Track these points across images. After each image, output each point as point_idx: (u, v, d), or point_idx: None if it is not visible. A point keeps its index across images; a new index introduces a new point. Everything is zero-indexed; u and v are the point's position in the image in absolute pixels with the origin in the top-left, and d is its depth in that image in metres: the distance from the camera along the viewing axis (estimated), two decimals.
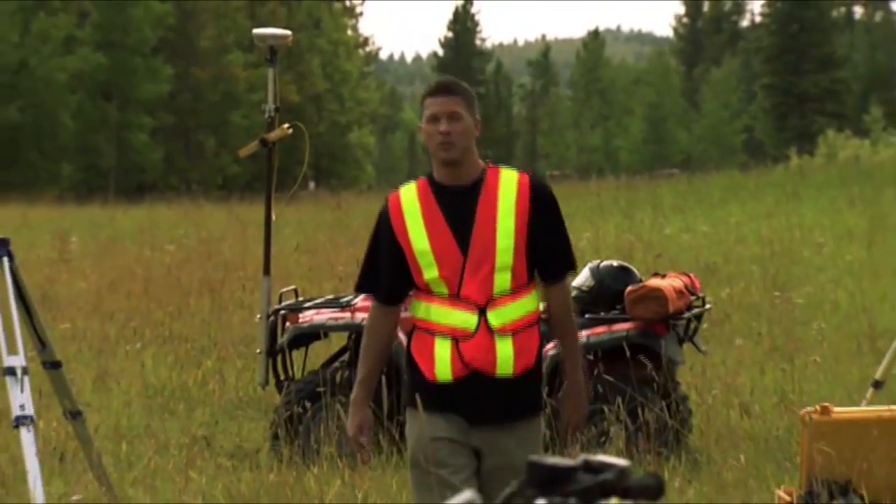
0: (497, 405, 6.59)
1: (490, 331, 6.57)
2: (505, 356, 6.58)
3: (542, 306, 7.03)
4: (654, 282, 12.47)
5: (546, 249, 6.76)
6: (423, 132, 6.78)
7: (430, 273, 6.60)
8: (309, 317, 12.66)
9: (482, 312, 6.57)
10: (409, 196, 6.73)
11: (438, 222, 6.62)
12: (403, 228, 6.66)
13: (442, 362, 6.61)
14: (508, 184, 6.66)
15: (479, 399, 6.56)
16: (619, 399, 11.82)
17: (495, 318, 6.58)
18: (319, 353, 14.17)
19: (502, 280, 6.58)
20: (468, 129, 6.65)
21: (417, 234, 6.62)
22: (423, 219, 6.63)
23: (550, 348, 12.33)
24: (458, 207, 6.61)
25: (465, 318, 6.58)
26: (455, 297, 6.59)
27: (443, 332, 6.62)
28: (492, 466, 6.58)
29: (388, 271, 6.77)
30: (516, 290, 6.65)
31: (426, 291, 6.69)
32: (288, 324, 12.73)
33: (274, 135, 12.39)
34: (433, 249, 6.59)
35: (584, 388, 6.89)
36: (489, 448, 6.58)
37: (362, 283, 7.00)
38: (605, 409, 11.92)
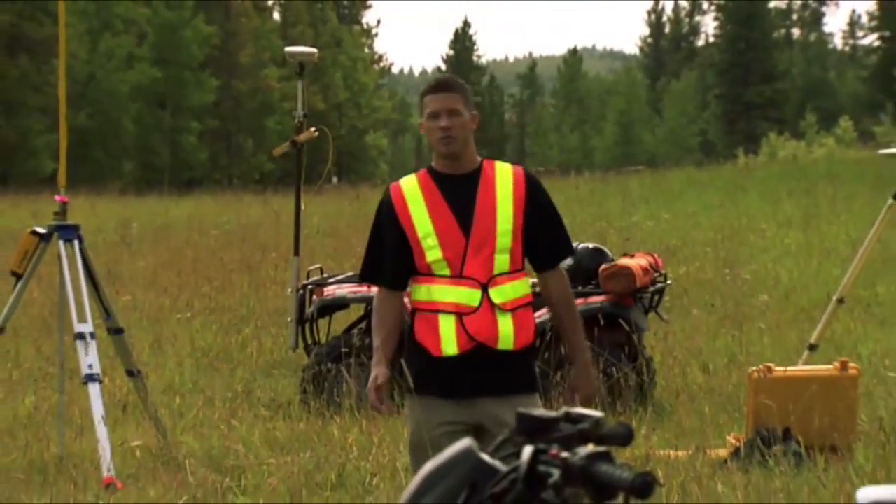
0: (498, 378, 6.13)
1: (492, 307, 6.12)
2: (506, 331, 6.13)
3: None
4: (624, 261, 12.49)
5: (545, 237, 6.32)
6: (423, 128, 6.33)
7: (434, 255, 6.13)
8: (332, 291, 12.68)
9: (485, 290, 6.12)
10: (411, 185, 6.30)
11: (441, 207, 6.18)
12: (407, 214, 6.20)
13: (447, 337, 6.13)
14: (504, 174, 6.27)
15: (481, 371, 6.10)
16: (594, 360, 11.89)
17: (497, 295, 6.13)
18: (341, 321, 14.18)
19: (502, 261, 6.15)
20: (467, 123, 6.25)
21: (421, 218, 6.17)
22: (425, 204, 6.19)
23: (541, 315, 12.39)
24: (459, 193, 6.20)
25: (468, 295, 6.12)
26: (458, 277, 6.13)
27: (447, 310, 6.14)
28: (491, 436, 5.82)
29: (392, 257, 6.29)
30: (513, 272, 6.20)
31: (427, 274, 6.19)
32: (314, 297, 12.74)
33: (303, 137, 12.36)
34: (437, 232, 6.13)
35: (591, 366, 6.55)
36: (490, 421, 6.09)
37: (366, 272, 6.53)
38: None
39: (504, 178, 6.25)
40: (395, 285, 6.35)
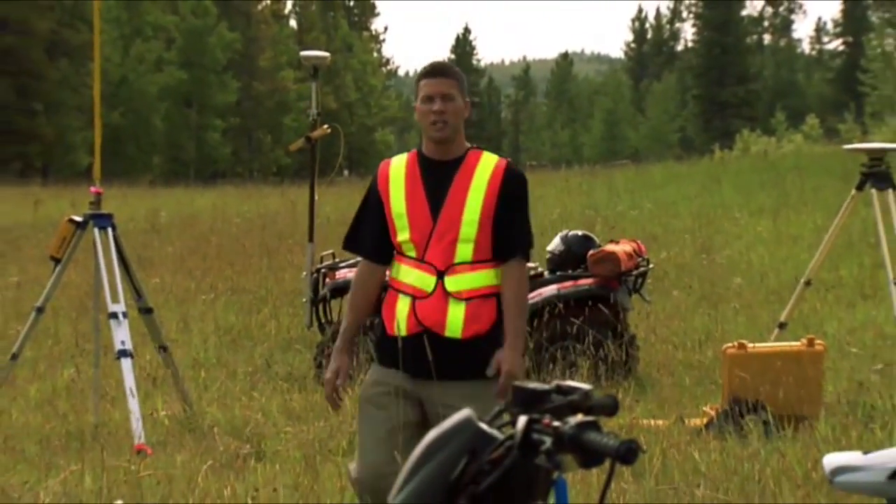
0: (443, 363, 5.73)
1: (446, 294, 5.76)
2: (455, 319, 5.75)
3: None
4: (610, 247, 12.49)
5: (505, 228, 5.85)
6: (417, 111, 5.94)
7: (403, 235, 5.83)
8: (343, 274, 12.65)
9: (440, 276, 5.77)
10: (398, 164, 5.98)
11: (417, 190, 5.84)
12: (387, 192, 5.90)
13: (401, 318, 5.82)
14: (486, 165, 5.87)
15: (425, 355, 5.73)
16: (583, 337, 11.90)
17: (452, 283, 5.76)
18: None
19: (464, 250, 5.76)
20: (459, 109, 5.87)
21: (397, 199, 5.86)
22: (404, 185, 5.87)
23: (534, 297, 12.39)
24: (437, 179, 5.83)
25: (424, 280, 5.79)
26: (420, 261, 5.81)
27: (405, 291, 5.84)
28: (433, 413, 5.69)
29: (374, 231, 5.97)
30: (477, 263, 5.79)
31: (400, 252, 5.90)
32: (327, 279, 12.73)
33: (316, 134, 12.37)
34: (408, 213, 5.81)
35: (521, 351, 5.99)
36: (429, 401, 5.77)
37: (348, 241, 6.21)
38: (574, 346, 11.97)
39: (484, 169, 5.87)
40: (376, 258, 6.04)
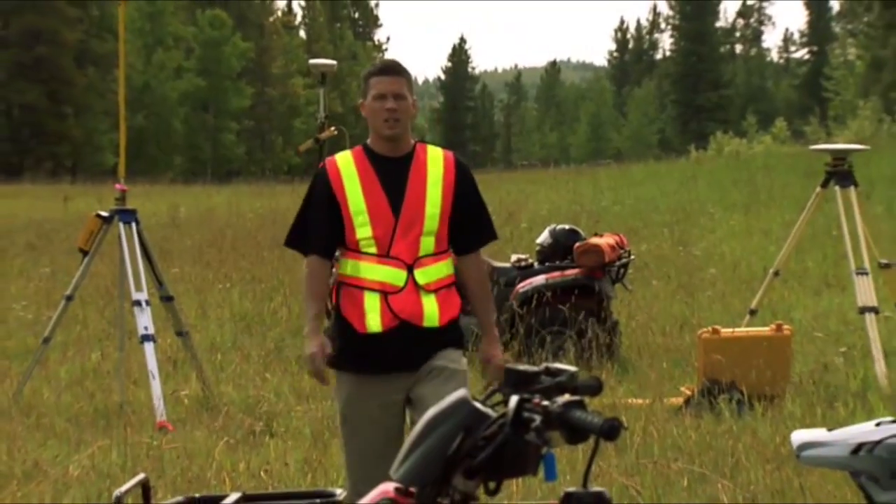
0: (424, 353, 5.46)
1: (417, 287, 5.45)
2: (431, 310, 5.47)
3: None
4: (594, 240, 12.47)
5: (469, 222, 5.64)
6: (365, 108, 5.60)
7: (364, 232, 5.46)
8: None
9: (410, 270, 5.45)
10: (346, 161, 5.62)
11: (374, 186, 5.48)
12: (342, 189, 5.50)
13: (372, 314, 5.45)
14: (436, 159, 5.57)
15: (406, 347, 5.42)
16: (570, 323, 11.90)
17: (421, 276, 5.46)
18: None
19: (427, 243, 5.48)
20: (410, 108, 5.54)
21: (354, 195, 5.48)
22: (360, 182, 5.49)
23: (524, 286, 12.39)
24: (392, 175, 5.50)
25: (394, 275, 5.45)
26: (384, 256, 5.45)
27: (372, 287, 5.46)
28: (419, 396, 5.42)
29: (324, 229, 5.57)
30: (438, 254, 5.53)
31: (355, 250, 5.52)
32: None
33: (324, 135, 12.33)
34: (368, 210, 5.44)
35: (498, 339, 5.76)
36: (416, 394, 5.43)
37: (291, 239, 5.84)
38: (561, 331, 11.97)
39: (435, 162, 5.58)
40: (325, 254, 5.69)
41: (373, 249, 5.47)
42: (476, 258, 5.76)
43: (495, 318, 5.87)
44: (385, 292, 5.47)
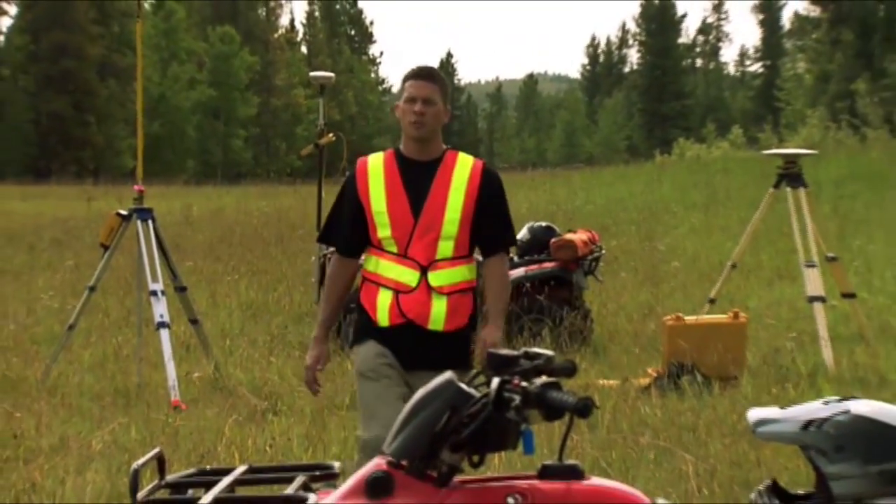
0: (427, 354, 5.21)
1: (429, 289, 5.22)
2: (438, 313, 5.23)
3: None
4: (569, 236, 12.49)
5: (489, 226, 5.34)
6: (398, 109, 5.38)
7: (384, 232, 5.25)
8: None
9: (424, 272, 5.22)
10: (376, 163, 5.39)
11: (397, 188, 5.26)
12: (366, 189, 5.30)
13: (382, 310, 5.26)
14: (464, 166, 5.33)
15: (410, 346, 5.22)
16: (547, 311, 11.90)
17: (435, 278, 5.22)
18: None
19: (445, 247, 5.23)
20: (439, 113, 5.28)
21: (377, 196, 5.26)
22: (384, 183, 5.28)
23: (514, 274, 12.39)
24: (417, 178, 5.27)
25: (408, 275, 5.23)
26: (402, 256, 5.24)
27: (387, 285, 5.27)
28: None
29: (349, 227, 5.38)
30: (456, 258, 5.27)
31: (378, 248, 5.31)
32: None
33: (323, 141, 12.31)
34: (389, 211, 5.23)
35: (501, 329, 5.46)
36: (413, 387, 5.06)
37: (324, 235, 5.66)
38: (539, 319, 11.97)
39: (462, 169, 5.33)
40: (347, 252, 5.47)
41: (393, 248, 5.28)
42: (499, 261, 5.48)
43: (506, 313, 5.58)
44: (398, 291, 5.27)
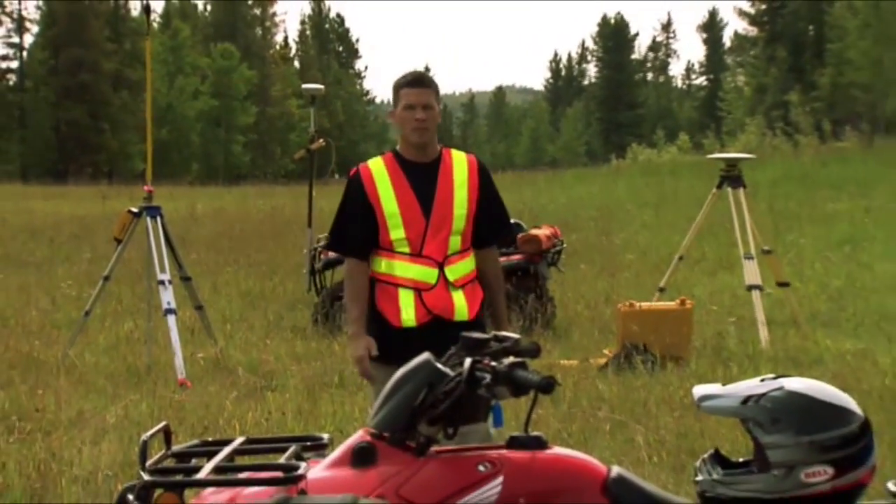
0: (453, 345, 4.53)
1: (447, 283, 4.94)
2: (461, 304, 4.95)
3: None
4: (534, 231, 12.48)
5: (489, 218, 5.10)
6: (396, 117, 5.05)
7: (397, 233, 4.93)
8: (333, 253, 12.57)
9: (441, 268, 4.93)
10: (379, 167, 5.06)
11: (405, 190, 4.96)
12: (375, 193, 4.96)
13: (407, 310, 4.91)
14: (460, 163, 5.06)
15: (439, 340, 4.36)
16: (514, 299, 11.90)
17: (451, 273, 4.95)
18: (339, 272, 14.07)
19: (455, 242, 4.97)
20: (436, 116, 5.03)
21: (388, 199, 4.94)
22: (392, 186, 4.97)
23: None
24: (422, 179, 4.98)
25: (427, 273, 4.92)
26: (417, 255, 4.93)
27: (406, 285, 4.93)
28: None
29: (360, 231, 5.00)
30: (463, 251, 5.02)
31: (389, 249, 4.97)
32: (322, 256, 12.65)
33: (314, 146, 12.31)
34: (401, 212, 4.93)
35: (508, 322, 5.35)
36: None
37: (335, 243, 5.23)
38: (507, 306, 11.97)
39: (460, 166, 5.07)
40: (362, 255, 5.04)
41: (406, 249, 4.96)
42: (493, 252, 5.24)
43: (506, 307, 5.37)
44: (419, 289, 4.94)
